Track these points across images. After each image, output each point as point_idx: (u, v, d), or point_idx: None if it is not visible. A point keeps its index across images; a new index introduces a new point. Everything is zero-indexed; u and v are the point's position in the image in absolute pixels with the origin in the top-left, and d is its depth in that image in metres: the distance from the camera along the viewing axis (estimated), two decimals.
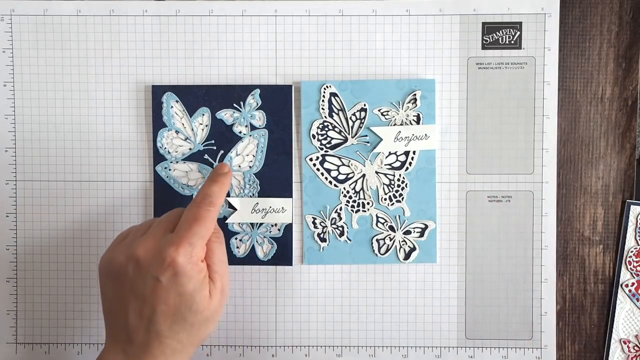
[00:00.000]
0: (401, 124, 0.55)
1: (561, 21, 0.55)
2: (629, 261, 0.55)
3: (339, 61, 0.55)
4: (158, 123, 0.55)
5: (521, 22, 0.54)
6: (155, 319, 0.43)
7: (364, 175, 0.55)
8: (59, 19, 0.55)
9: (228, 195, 0.55)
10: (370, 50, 0.55)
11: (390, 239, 0.55)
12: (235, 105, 0.55)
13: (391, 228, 0.55)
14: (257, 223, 0.56)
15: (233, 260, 0.56)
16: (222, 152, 0.55)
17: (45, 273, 0.57)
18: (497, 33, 0.55)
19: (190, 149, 0.55)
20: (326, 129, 0.55)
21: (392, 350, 0.56)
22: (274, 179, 0.55)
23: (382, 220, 0.55)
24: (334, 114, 0.55)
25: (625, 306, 0.55)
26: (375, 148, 0.55)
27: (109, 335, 0.46)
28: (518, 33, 0.54)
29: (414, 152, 0.55)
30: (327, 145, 0.55)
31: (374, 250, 0.55)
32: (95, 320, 0.57)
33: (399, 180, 0.55)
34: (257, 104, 0.55)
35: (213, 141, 0.55)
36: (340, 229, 0.55)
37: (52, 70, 0.56)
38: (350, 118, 0.55)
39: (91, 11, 0.55)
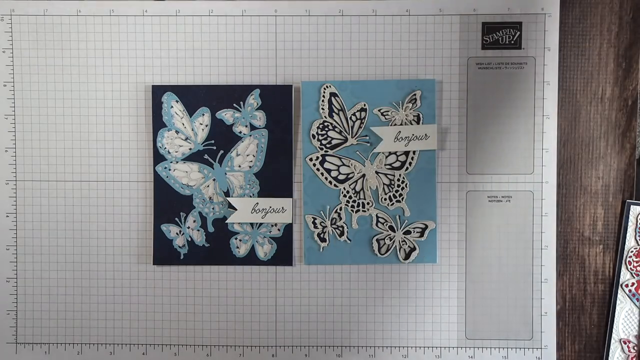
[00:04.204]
0: (401, 124, 0.55)
1: (561, 21, 0.55)
2: (629, 261, 0.55)
3: (339, 61, 0.55)
4: (158, 123, 0.55)
5: (521, 22, 0.54)
6: None
7: (364, 175, 0.55)
8: (59, 19, 0.55)
9: (228, 195, 0.55)
10: (370, 50, 0.55)
11: (390, 239, 0.55)
12: (235, 105, 0.55)
13: (391, 228, 0.55)
14: (257, 223, 0.56)
15: (233, 260, 0.56)
16: (222, 152, 0.55)
17: (45, 273, 0.57)
18: (497, 33, 0.55)
19: (190, 149, 0.55)
20: (326, 129, 0.55)
21: (392, 350, 0.56)
22: (274, 179, 0.55)
23: (382, 220, 0.55)
24: (334, 114, 0.55)
25: (625, 306, 0.55)
26: (375, 148, 0.55)
27: None
28: (518, 33, 0.54)
29: (414, 152, 0.55)
30: (327, 145, 0.55)
31: (374, 250, 0.55)
32: (95, 320, 0.57)
33: (399, 180, 0.55)
34: (257, 104, 0.55)
35: (213, 141, 0.55)
36: (340, 229, 0.55)
37: (52, 70, 0.56)
38: (350, 118, 0.55)
39: (91, 11, 0.55)
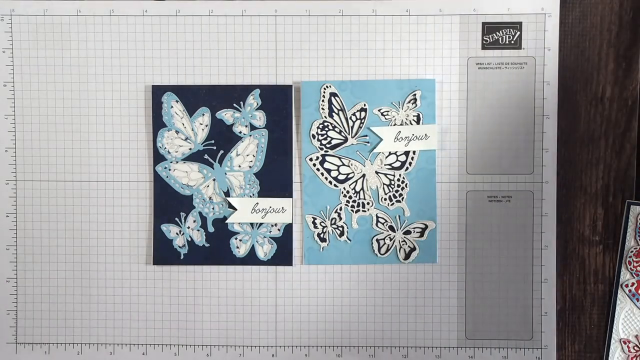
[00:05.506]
0: (401, 124, 0.55)
1: (561, 21, 0.55)
2: (629, 261, 0.55)
3: (339, 61, 0.55)
4: (158, 123, 0.55)
5: (521, 22, 0.54)
6: None
7: (364, 175, 0.55)
8: (59, 19, 0.55)
9: (228, 195, 0.55)
10: (370, 50, 0.55)
11: (390, 239, 0.55)
12: (235, 105, 0.55)
13: (391, 228, 0.55)
14: (257, 223, 0.56)
15: (233, 260, 0.56)
16: (222, 152, 0.55)
17: (45, 273, 0.57)
18: (497, 33, 0.55)
19: (190, 149, 0.55)
20: (326, 129, 0.55)
21: (392, 351, 0.56)
22: (274, 179, 0.55)
23: (382, 220, 0.55)
24: (334, 114, 0.55)
25: (625, 306, 0.55)
26: (375, 148, 0.55)
27: None
28: (518, 33, 0.54)
29: (414, 152, 0.55)
30: (327, 145, 0.55)
31: (374, 250, 0.55)
32: (95, 320, 0.57)
33: (399, 180, 0.55)
34: (257, 104, 0.55)
35: (213, 141, 0.55)
36: (340, 229, 0.55)
37: (52, 70, 0.56)
38: (350, 118, 0.55)
39: (91, 11, 0.55)
